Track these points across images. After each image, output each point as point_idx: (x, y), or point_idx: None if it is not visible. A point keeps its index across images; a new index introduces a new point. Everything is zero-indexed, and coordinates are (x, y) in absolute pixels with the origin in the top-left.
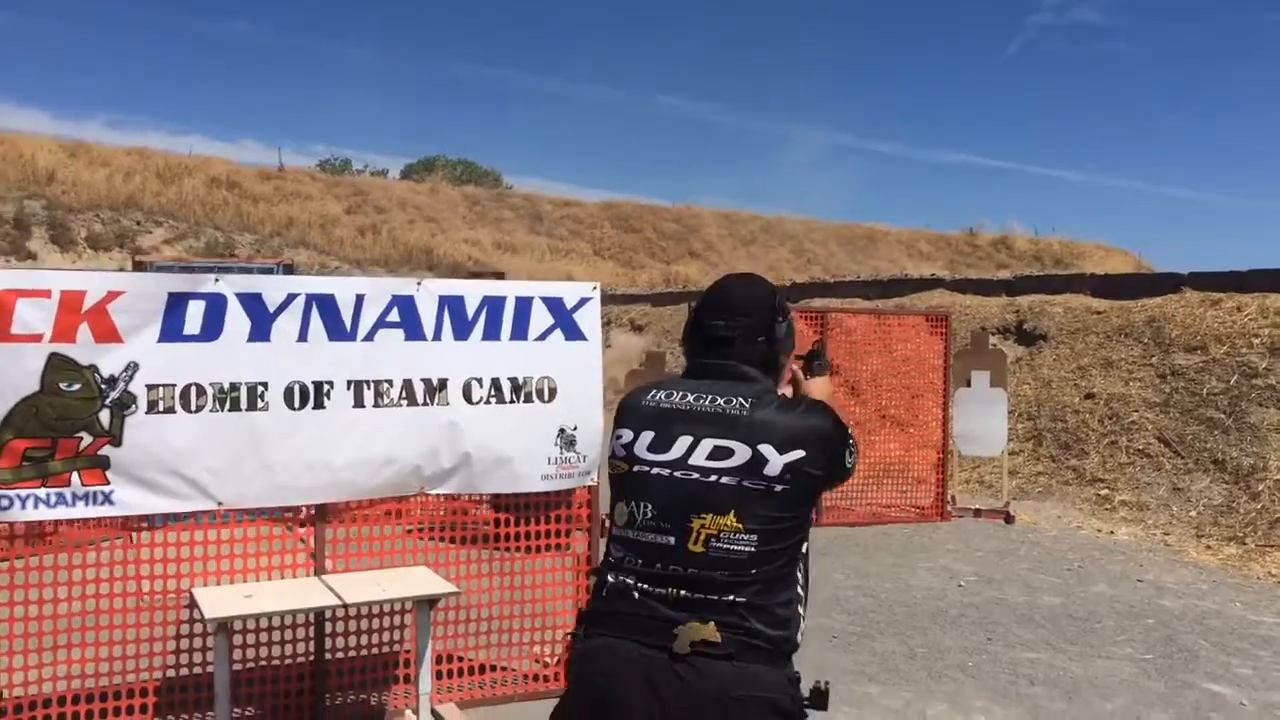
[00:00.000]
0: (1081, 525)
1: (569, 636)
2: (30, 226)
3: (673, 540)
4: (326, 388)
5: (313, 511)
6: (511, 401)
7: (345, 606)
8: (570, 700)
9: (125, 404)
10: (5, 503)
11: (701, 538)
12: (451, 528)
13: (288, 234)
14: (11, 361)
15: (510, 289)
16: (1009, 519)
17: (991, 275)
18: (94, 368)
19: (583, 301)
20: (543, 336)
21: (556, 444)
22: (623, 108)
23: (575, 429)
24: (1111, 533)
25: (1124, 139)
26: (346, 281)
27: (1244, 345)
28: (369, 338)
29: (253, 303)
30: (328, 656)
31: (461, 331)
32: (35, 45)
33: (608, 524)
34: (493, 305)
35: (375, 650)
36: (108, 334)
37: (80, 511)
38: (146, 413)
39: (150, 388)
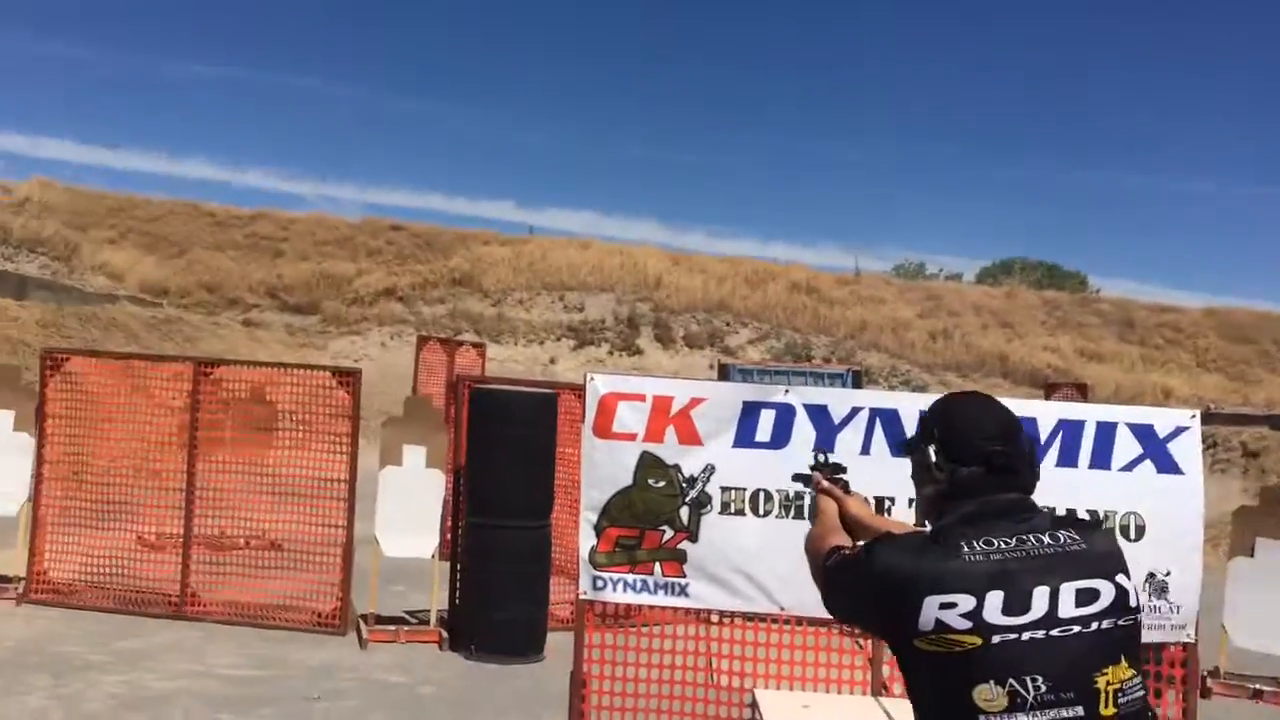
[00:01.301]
0: None
1: None
2: (639, 326)
3: (1081, 710)
4: (888, 503)
5: None
6: None
7: None
8: None
9: (702, 503)
10: (601, 583)
11: (1111, 697)
12: None
13: (861, 337)
14: (611, 457)
15: (1091, 413)
16: None
17: None
18: (677, 467)
19: (1179, 430)
20: (1129, 467)
21: (1145, 590)
22: (1217, 200)
23: (1168, 574)
24: None
25: None
26: (911, 398)
27: None
28: None
29: (819, 414)
30: None
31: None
32: (650, 169)
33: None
34: (1069, 430)
35: None
36: (690, 437)
37: (660, 600)
38: (720, 513)
39: (724, 489)
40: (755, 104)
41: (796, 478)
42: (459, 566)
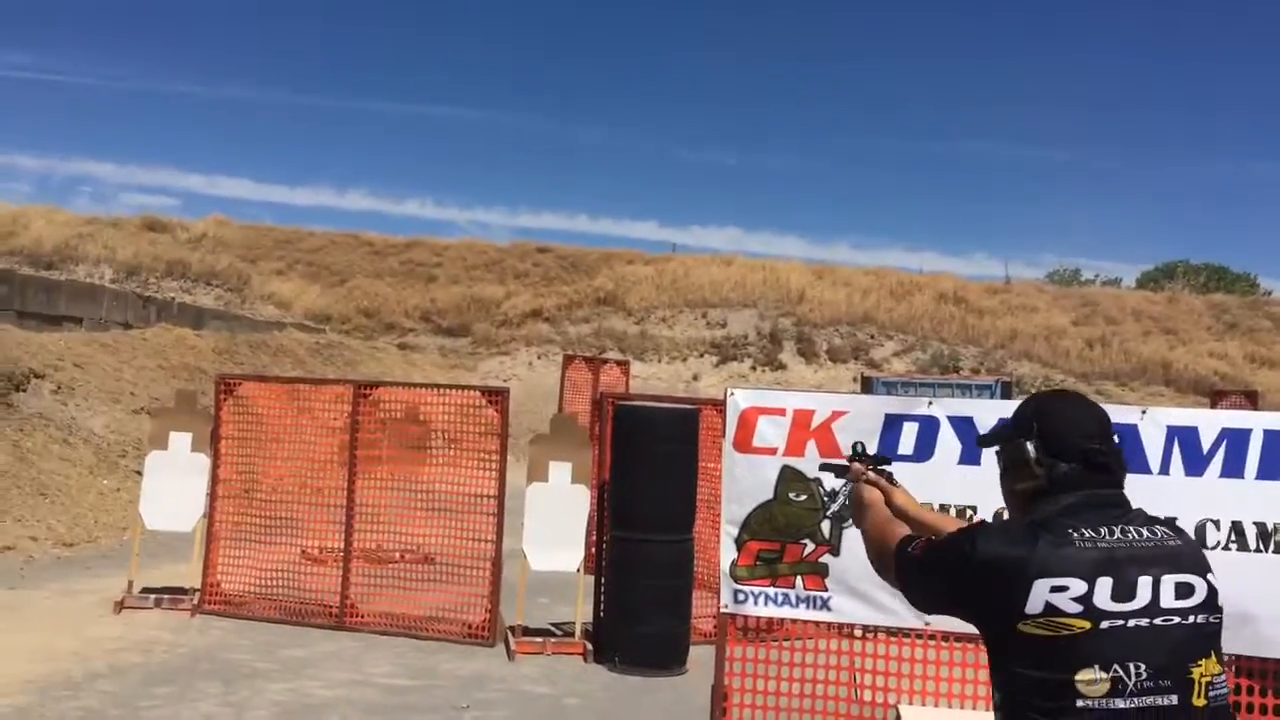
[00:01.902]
0: None
1: None
2: (782, 340)
3: (1176, 699)
4: None
5: None
6: (1258, 550)
7: None
8: None
9: (844, 517)
10: (743, 597)
11: (1203, 689)
12: None
13: (1011, 346)
14: (752, 471)
15: (1257, 420)
16: None
17: None
18: (818, 481)
19: None
20: None
21: None
22: None
23: None
24: None
25: None
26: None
27: None
28: None
29: (964, 426)
30: None
31: (1194, 466)
32: (793, 180)
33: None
34: (1234, 438)
35: None
36: (831, 450)
37: (801, 613)
38: None
39: None
40: (897, 104)
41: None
42: (603, 580)
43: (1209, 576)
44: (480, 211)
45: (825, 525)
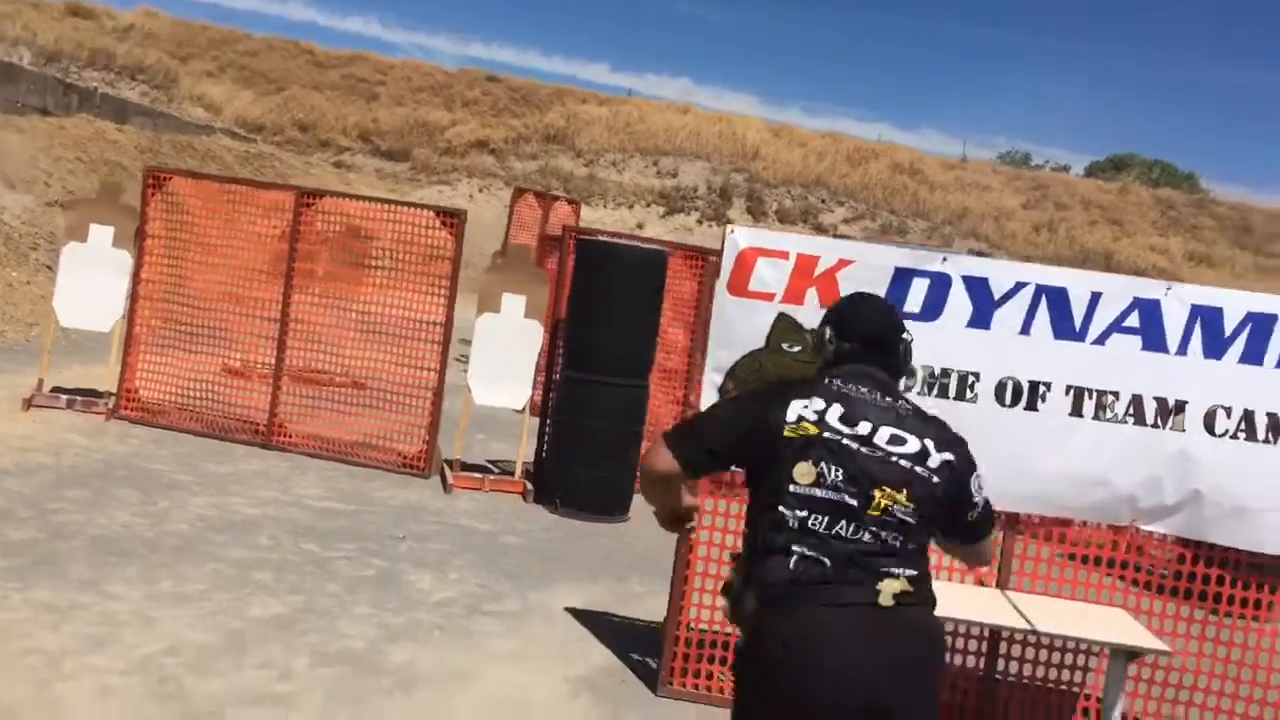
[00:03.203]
0: None
1: (755, 610)
2: (732, 197)
3: (855, 503)
4: (1042, 388)
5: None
6: (1267, 441)
7: (1034, 633)
8: (770, 694)
9: None
10: None
11: (880, 506)
12: (1145, 570)
13: (960, 224)
14: (744, 315)
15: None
16: None
17: None
18: (814, 331)
19: None
20: None
21: None
22: None
23: None
24: None
25: None
26: (1083, 276)
27: None
28: (1099, 341)
29: (978, 287)
30: (998, 677)
31: (1214, 349)
32: (753, 37)
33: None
34: (1258, 323)
35: (1051, 685)
36: (832, 301)
37: None
38: None
39: None
40: None
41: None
42: (549, 421)
43: (927, 441)
44: (425, 36)
45: None
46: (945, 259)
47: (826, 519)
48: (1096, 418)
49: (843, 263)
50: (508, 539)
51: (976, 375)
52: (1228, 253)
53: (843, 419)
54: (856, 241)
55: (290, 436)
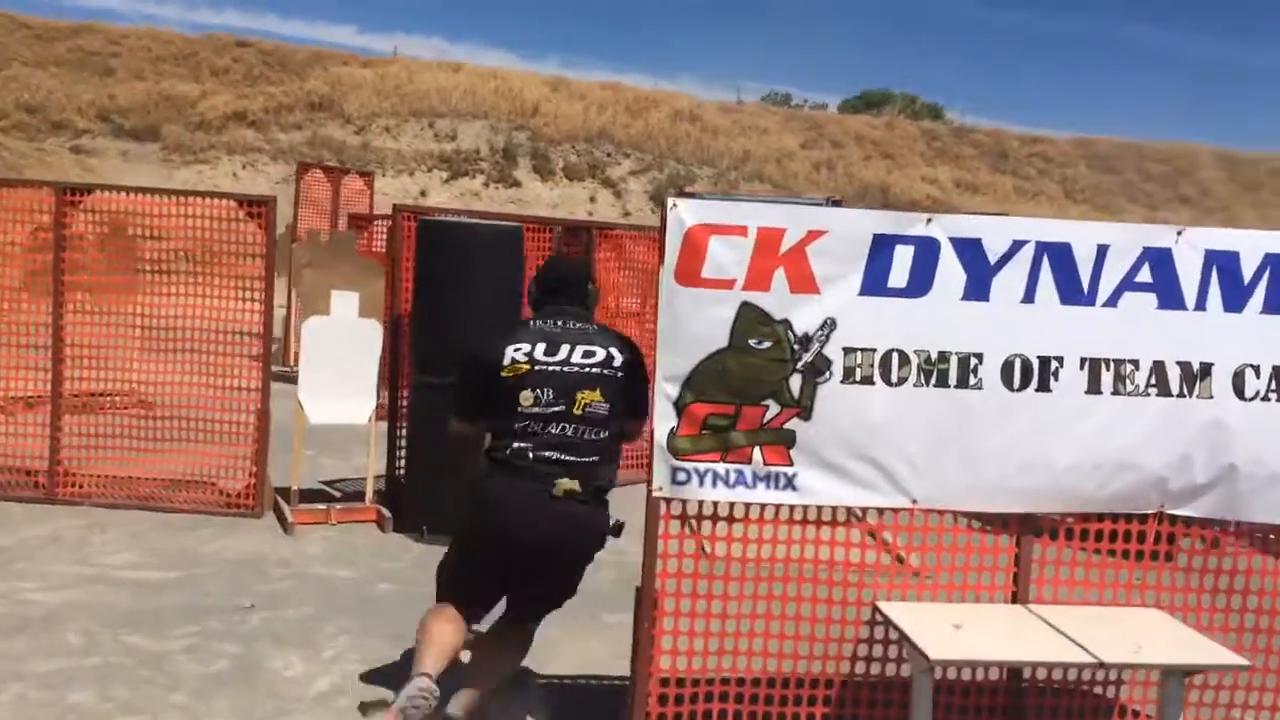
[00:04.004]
0: None
1: (485, 469)
2: (516, 157)
3: (563, 408)
4: (1054, 364)
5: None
6: None
7: (1101, 666)
8: (478, 517)
9: (819, 370)
10: (684, 476)
11: (582, 405)
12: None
13: (744, 168)
14: (698, 310)
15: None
16: None
17: None
18: (787, 323)
19: None
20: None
21: None
22: (1085, 40)
23: None
24: None
25: None
26: (1085, 229)
27: None
28: (1110, 302)
29: (970, 251)
30: (1024, 684)
31: (1234, 301)
32: None
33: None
34: (1278, 266)
35: (1081, 690)
36: (804, 282)
37: (760, 495)
38: (841, 381)
39: (847, 351)
40: None
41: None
42: (402, 434)
43: (611, 348)
44: (153, 4)
45: (794, 381)
46: (930, 220)
47: (543, 424)
48: (1116, 392)
49: (813, 234)
50: (378, 588)
51: (979, 356)
52: (990, 179)
53: (546, 351)
54: (823, 208)
55: (80, 485)
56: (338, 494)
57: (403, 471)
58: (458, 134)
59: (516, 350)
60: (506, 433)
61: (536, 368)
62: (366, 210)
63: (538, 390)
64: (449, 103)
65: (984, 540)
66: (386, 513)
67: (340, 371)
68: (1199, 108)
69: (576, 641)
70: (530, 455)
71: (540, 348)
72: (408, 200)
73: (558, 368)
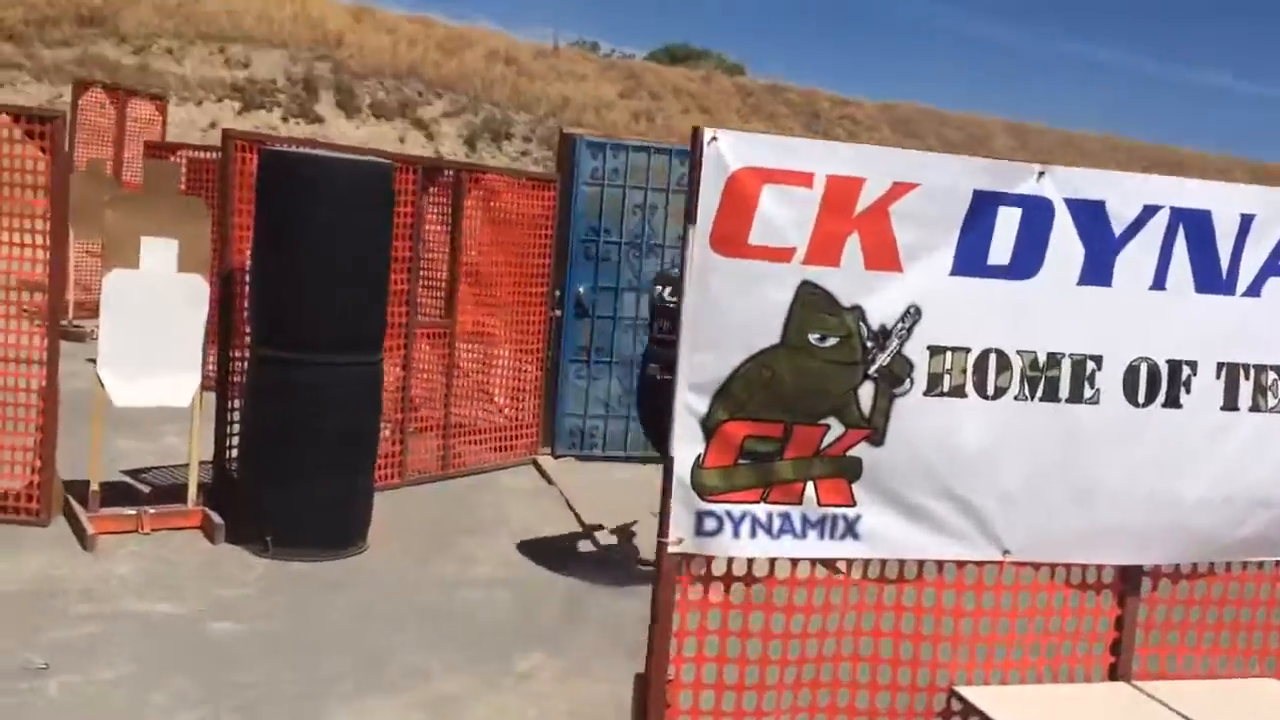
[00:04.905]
0: None
1: None
2: (318, 90)
3: None
4: (1186, 371)
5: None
6: None
7: None
8: None
9: (898, 377)
10: (713, 524)
11: None
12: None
13: (563, 115)
14: (743, 291)
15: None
16: None
17: None
18: (859, 311)
19: None
20: None
21: None
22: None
23: None
24: None
25: None
26: (1228, 192)
27: None
28: (1252, 291)
29: (1090, 218)
30: None
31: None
32: None
33: None
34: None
35: None
36: (884, 256)
37: (812, 548)
38: (925, 393)
39: (934, 352)
40: None
41: None
42: (240, 422)
43: None
44: None
45: (865, 391)
46: (1042, 173)
47: None
48: (1255, 408)
49: (899, 189)
50: (217, 627)
51: (1098, 360)
52: (803, 136)
53: None
54: (912, 154)
55: None
56: (146, 489)
57: (234, 463)
58: (251, 61)
59: None
60: None
61: None
62: (159, 139)
63: None
64: (241, 28)
65: (1082, 600)
66: (216, 517)
67: (153, 340)
68: (992, 84)
69: (486, 699)
70: None
71: None
72: (195, 132)
73: None
